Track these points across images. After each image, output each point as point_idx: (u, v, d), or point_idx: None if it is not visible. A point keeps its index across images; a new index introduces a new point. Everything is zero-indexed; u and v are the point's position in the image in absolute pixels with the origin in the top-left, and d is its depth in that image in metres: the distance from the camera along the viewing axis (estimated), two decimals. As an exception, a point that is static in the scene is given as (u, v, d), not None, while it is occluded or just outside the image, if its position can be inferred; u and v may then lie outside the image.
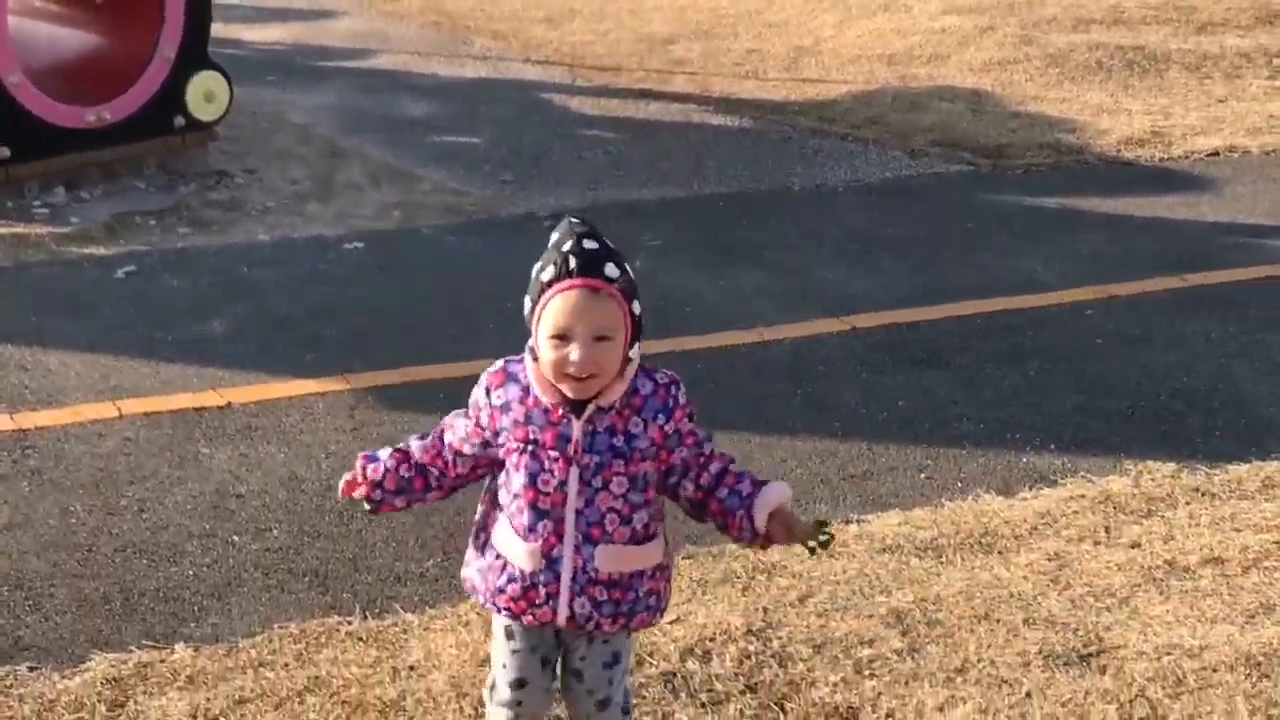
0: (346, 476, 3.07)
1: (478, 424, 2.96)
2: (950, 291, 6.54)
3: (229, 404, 5.25)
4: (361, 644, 3.87)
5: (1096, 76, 10.53)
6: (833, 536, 2.96)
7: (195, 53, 7.76)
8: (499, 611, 3.02)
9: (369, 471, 3.04)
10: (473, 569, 3.06)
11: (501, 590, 2.98)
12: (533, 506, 2.92)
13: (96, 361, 5.58)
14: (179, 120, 7.79)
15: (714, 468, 2.97)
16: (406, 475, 3.03)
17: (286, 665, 3.77)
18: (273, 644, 3.87)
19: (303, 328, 5.98)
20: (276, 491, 4.68)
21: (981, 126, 9.24)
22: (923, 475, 4.93)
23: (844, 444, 5.12)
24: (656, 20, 12.07)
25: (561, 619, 2.96)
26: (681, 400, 2.93)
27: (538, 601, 2.95)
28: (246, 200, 7.58)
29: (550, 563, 2.93)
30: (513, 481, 2.94)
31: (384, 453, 3.05)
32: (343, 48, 11.07)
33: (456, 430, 3.00)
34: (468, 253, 6.93)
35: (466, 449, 2.99)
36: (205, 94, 7.83)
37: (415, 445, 3.05)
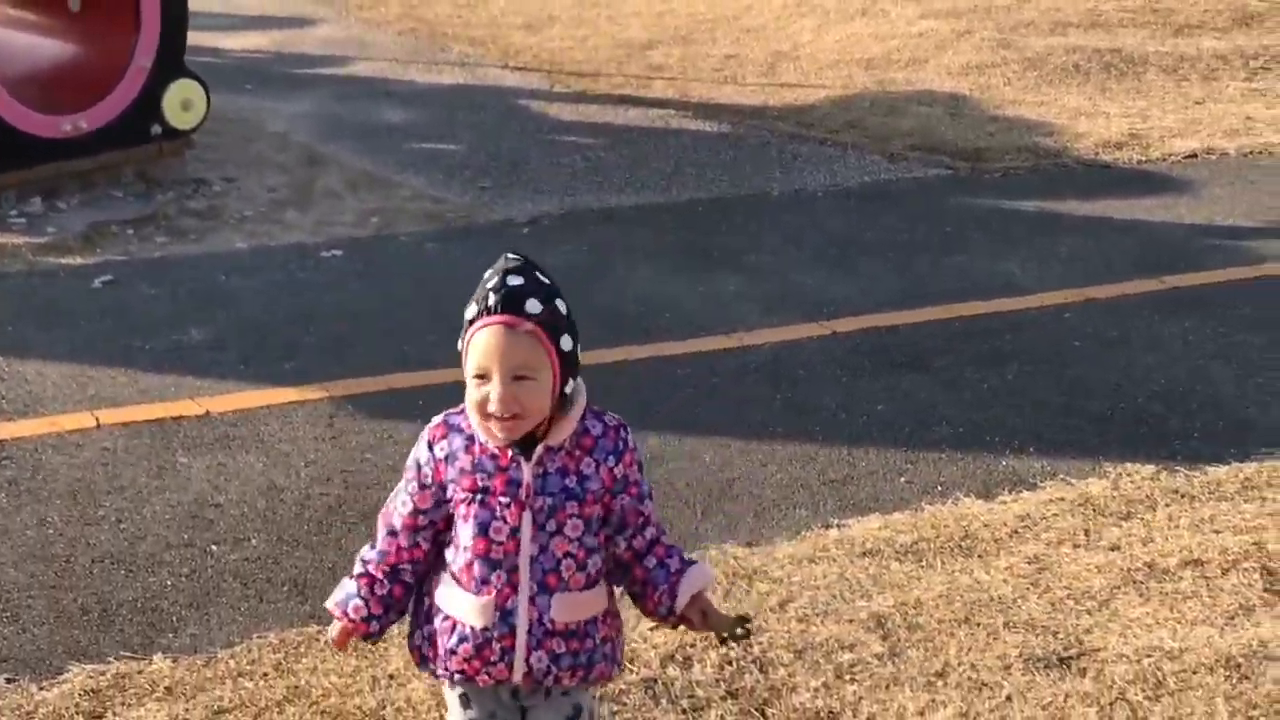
0: (333, 634, 2.94)
1: (421, 485, 2.80)
2: (929, 295, 6.55)
3: (207, 413, 5.23)
4: (341, 653, 3.85)
5: (1074, 79, 10.57)
6: (750, 634, 2.88)
7: (172, 61, 7.75)
8: (451, 678, 2.86)
9: (351, 612, 2.89)
10: (418, 637, 2.89)
11: (453, 651, 2.81)
12: (484, 558, 2.75)
13: (74, 371, 5.56)
14: (156, 129, 7.78)
15: (649, 533, 2.87)
16: (383, 592, 2.86)
17: (266, 675, 3.76)
18: (252, 654, 3.86)
19: (281, 336, 5.96)
20: (255, 501, 4.66)
21: (959, 130, 9.27)
22: (902, 479, 4.93)
23: (824, 448, 5.12)
24: (635, 26, 12.08)
25: (518, 675, 2.79)
26: (631, 444, 2.83)
27: (492, 659, 2.78)
28: (224, 208, 7.56)
29: (504, 615, 2.76)
30: (461, 535, 2.78)
31: (351, 586, 2.88)
32: (320, 55, 11.06)
33: (400, 511, 2.83)
34: (446, 259, 6.91)
35: (422, 520, 2.82)
36: (182, 102, 7.83)
37: (372, 557, 2.87)
